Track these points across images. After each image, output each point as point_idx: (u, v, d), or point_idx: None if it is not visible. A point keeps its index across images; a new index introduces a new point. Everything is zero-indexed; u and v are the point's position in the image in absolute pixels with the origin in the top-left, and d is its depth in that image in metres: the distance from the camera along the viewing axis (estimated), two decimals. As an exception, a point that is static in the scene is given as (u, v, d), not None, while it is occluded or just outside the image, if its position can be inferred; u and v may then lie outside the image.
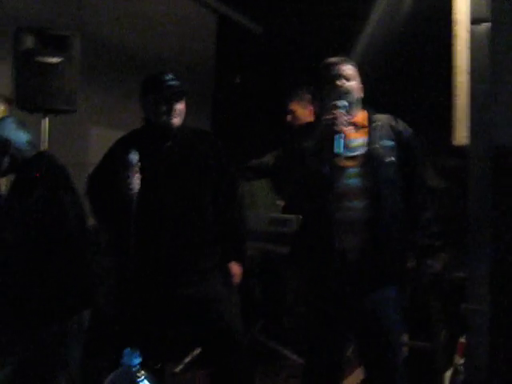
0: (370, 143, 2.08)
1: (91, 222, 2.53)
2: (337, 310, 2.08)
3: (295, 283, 3.53)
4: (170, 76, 2.31)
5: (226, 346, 2.29)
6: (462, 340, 2.27)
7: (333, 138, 1.99)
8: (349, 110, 2.07)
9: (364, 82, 2.21)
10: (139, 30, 4.49)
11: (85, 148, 4.08)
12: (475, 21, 1.81)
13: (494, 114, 1.76)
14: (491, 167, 1.76)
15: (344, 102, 2.06)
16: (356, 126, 2.13)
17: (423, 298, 2.77)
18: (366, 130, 2.13)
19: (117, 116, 4.17)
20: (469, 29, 1.87)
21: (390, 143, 2.09)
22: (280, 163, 3.52)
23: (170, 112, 2.27)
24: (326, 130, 2.05)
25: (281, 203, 3.64)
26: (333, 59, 2.18)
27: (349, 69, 2.16)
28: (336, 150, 1.99)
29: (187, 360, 3.32)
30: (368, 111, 2.19)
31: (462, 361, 2.29)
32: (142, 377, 1.24)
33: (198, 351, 3.27)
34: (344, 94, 2.10)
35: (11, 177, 2.53)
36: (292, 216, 3.21)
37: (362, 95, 2.18)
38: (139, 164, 2.15)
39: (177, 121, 2.30)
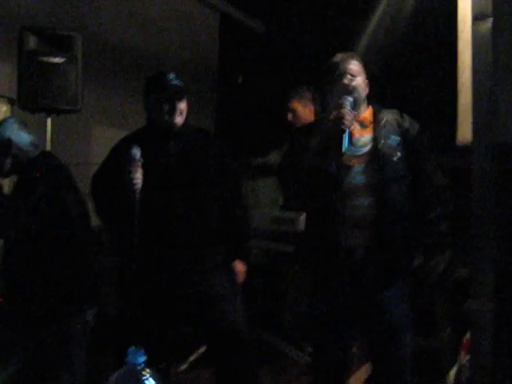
0: (376, 140, 2.07)
1: (95, 222, 2.53)
2: (342, 308, 2.08)
3: (297, 282, 3.52)
4: (172, 75, 2.31)
5: (230, 345, 2.29)
6: (467, 337, 2.27)
7: (340, 137, 1.96)
8: (355, 107, 2.05)
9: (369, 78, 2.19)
10: (142, 29, 4.49)
11: (87, 148, 4.08)
12: (477, 17, 1.80)
13: (497, 111, 1.75)
14: (495, 165, 1.75)
15: (350, 99, 2.04)
16: (362, 123, 2.12)
17: (429, 296, 2.76)
18: (372, 126, 2.11)
19: (120, 116, 4.18)
20: (471, 25, 1.86)
21: (397, 139, 2.08)
22: (286, 161, 3.51)
23: (172, 111, 2.27)
24: (332, 129, 2.02)
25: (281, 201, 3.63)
26: (338, 56, 2.16)
27: (354, 65, 2.13)
28: (344, 149, 1.96)
29: (192, 359, 3.32)
30: (373, 107, 2.17)
31: (466, 358, 2.29)
32: (148, 375, 1.22)
33: (202, 350, 3.27)
34: (350, 91, 2.07)
35: (14, 178, 2.53)
36: (294, 214, 3.20)
37: (367, 91, 2.16)
38: (141, 160, 2.15)
39: (179, 120, 2.30)
